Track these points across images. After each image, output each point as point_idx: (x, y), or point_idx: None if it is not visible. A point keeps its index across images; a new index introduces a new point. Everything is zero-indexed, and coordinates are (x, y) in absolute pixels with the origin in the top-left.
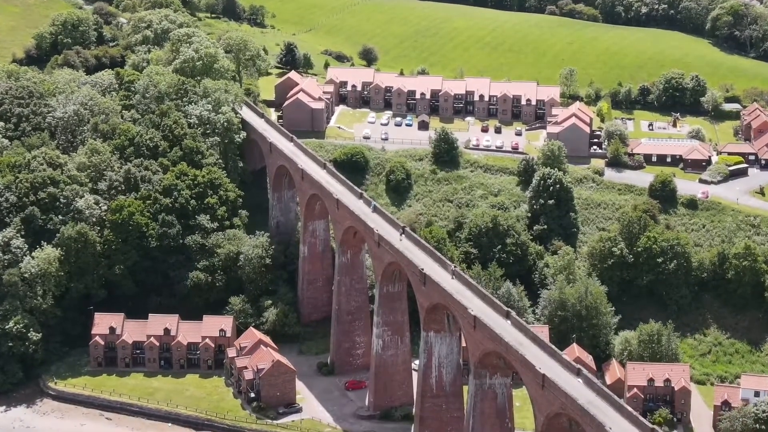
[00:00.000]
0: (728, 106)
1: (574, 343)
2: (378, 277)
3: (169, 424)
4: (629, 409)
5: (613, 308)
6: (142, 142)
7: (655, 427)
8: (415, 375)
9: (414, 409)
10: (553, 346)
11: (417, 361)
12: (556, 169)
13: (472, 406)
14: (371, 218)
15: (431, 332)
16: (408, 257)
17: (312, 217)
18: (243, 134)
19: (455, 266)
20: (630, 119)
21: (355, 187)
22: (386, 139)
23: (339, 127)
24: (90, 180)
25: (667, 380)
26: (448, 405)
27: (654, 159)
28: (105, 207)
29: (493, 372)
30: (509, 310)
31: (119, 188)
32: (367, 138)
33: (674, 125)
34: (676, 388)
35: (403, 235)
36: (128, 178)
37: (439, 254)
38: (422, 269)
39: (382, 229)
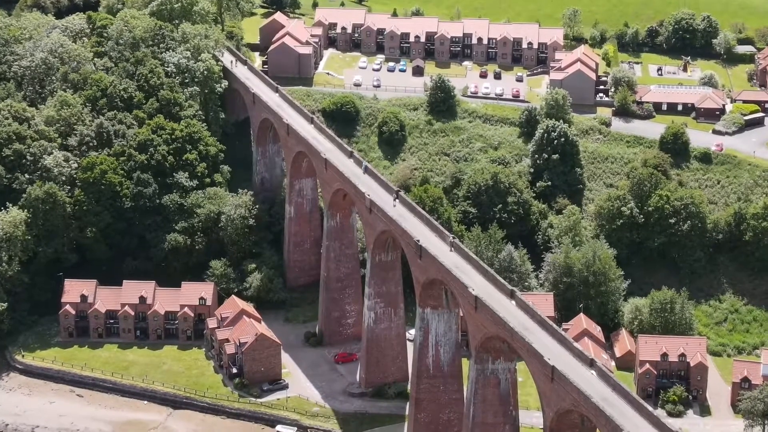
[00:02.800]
0: (741, 49)
1: (582, 314)
2: (369, 246)
3: (145, 402)
4: (648, 407)
5: (623, 273)
6: (116, 93)
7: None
8: (410, 348)
9: (409, 388)
10: (563, 332)
11: (412, 331)
12: (560, 120)
13: (473, 393)
14: (362, 180)
15: (428, 309)
16: (402, 226)
17: (299, 176)
18: (224, 83)
19: (454, 237)
20: (638, 63)
21: (345, 145)
22: (378, 86)
23: (328, 74)
24: (59, 135)
25: (682, 355)
26: (445, 386)
27: (664, 107)
28: (75, 164)
29: (496, 356)
30: (514, 289)
31: (91, 144)
32: (357, 85)
33: (685, 69)
34: (691, 364)
35: (397, 200)
36: (100, 132)
37: (436, 223)
38: (418, 240)
39: (374, 193)
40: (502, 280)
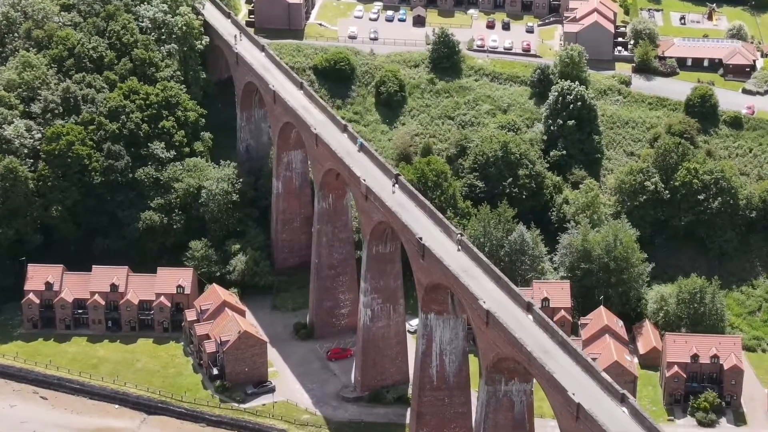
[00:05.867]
0: None
1: (602, 307)
2: (366, 236)
3: (116, 406)
4: None
5: (646, 256)
6: (84, 52)
7: None
8: (411, 344)
9: (410, 393)
10: (589, 359)
11: (413, 322)
12: (576, 82)
13: (483, 417)
14: (357, 160)
15: (431, 314)
16: (403, 219)
17: (287, 148)
18: (205, 39)
19: (461, 234)
20: (658, 10)
21: (339, 117)
22: (376, 39)
23: (320, 24)
24: (21, 101)
25: (715, 356)
26: (451, 399)
27: (689, 63)
28: (39, 135)
29: (510, 377)
30: (530, 301)
31: (56, 111)
32: (353, 38)
33: (710, 18)
34: (725, 367)
35: (396, 185)
36: (67, 98)
37: (441, 216)
38: (420, 238)
39: (370, 176)
40: (517, 289)
